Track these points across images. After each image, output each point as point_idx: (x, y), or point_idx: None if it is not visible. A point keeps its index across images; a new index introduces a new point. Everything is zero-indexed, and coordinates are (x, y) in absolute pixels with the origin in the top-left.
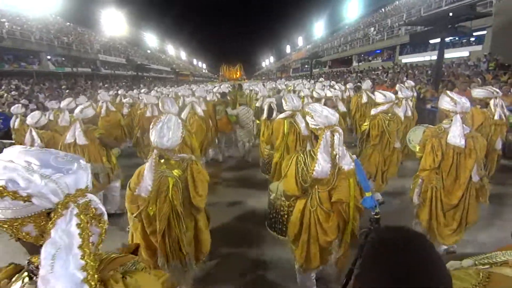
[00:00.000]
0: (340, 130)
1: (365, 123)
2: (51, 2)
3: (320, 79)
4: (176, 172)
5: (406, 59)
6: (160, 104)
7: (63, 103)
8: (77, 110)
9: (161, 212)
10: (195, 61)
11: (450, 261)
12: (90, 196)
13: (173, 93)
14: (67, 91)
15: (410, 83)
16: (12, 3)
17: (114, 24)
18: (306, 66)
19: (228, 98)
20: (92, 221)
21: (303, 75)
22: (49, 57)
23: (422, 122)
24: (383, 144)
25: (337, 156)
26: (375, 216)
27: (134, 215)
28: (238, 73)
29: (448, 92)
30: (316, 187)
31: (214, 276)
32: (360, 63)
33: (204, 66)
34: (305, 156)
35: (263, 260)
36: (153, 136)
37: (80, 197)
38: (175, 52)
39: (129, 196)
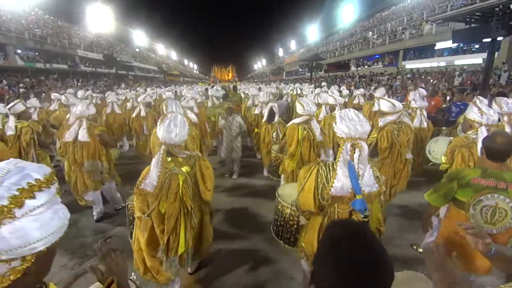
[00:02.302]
0: (365, 146)
1: (373, 135)
2: None
3: (322, 84)
4: (185, 168)
5: (411, 65)
6: (164, 107)
7: (8, 107)
8: (80, 108)
9: (171, 210)
10: (186, 61)
11: None
12: None
13: (156, 95)
14: (21, 90)
15: (423, 92)
16: None
17: (100, 20)
18: (301, 69)
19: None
20: None
21: (298, 79)
22: (19, 51)
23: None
24: (394, 157)
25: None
26: (364, 219)
27: (146, 214)
28: (230, 74)
29: (477, 101)
30: (335, 205)
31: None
32: (358, 68)
33: (195, 66)
34: (327, 169)
35: (267, 271)
36: (160, 132)
37: None
38: (165, 51)
39: (138, 195)
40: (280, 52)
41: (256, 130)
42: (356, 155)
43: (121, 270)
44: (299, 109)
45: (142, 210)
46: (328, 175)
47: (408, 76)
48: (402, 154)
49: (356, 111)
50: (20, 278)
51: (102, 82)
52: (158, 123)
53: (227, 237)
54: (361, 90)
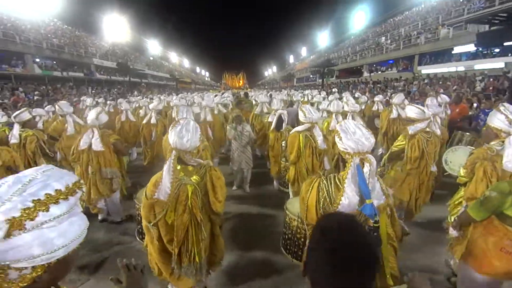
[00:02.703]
0: (373, 160)
1: (400, 142)
2: (51, 6)
3: (333, 90)
4: (194, 178)
5: (427, 70)
6: (175, 114)
7: (14, 115)
8: (91, 116)
9: (179, 222)
10: (198, 69)
11: None
12: None
13: (165, 102)
14: (35, 98)
15: (445, 98)
16: (10, 6)
17: (116, 29)
18: (311, 76)
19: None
20: None
21: (309, 85)
22: (37, 60)
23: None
24: (421, 168)
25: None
26: (374, 225)
27: (152, 223)
28: (241, 81)
29: (502, 108)
30: None
31: None
32: (371, 74)
33: (207, 74)
34: (328, 182)
35: (273, 282)
36: (172, 137)
37: None
38: (178, 59)
39: (145, 204)
40: (291, 58)
41: (258, 141)
42: (366, 170)
43: (140, 285)
44: (301, 116)
45: (148, 219)
46: (330, 189)
47: (425, 81)
48: (428, 166)
49: (356, 124)
50: (30, 285)
51: (115, 90)
52: (170, 129)
53: (234, 248)
54: (380, 97)
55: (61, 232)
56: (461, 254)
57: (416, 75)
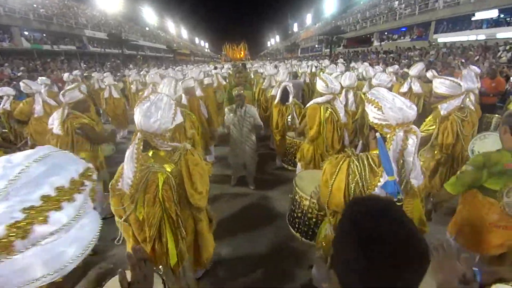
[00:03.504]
0: (418, 131)
1: (429, 125)
2: None
3: (339, 60)
4: (167, 166)
5: (444, 38)
6: (160, 86)
7: None
8: (61, 93)
9: (150, 217)
10: (197, 40)
11: None
12: None
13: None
14: (18, 74)
15: (475, 69)
16: None
17: None
18: (317, 46)
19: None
20: None
21: (314, 56)
22: (26, 32)
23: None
24: (456, 154)
25: (406, 167)
26: (397, 203)
27: (122, 219)
28: (242, 52)
29: None
30: None
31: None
32: (382, 42)
33: (207, 45)
34: (361, 163)
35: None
36: (137, 116)
37: None
38: (176, 30)
39: (112, 196)
40: (295, 27)
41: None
42: (411, 143)
43: (147, 284)
44: (320, 86)
45: (119, 214)
46: (363, 172)
47: (443, 50)
48: (464, 151)
49: (388, 91)
50: None
51: (109, 64)
52: (136, 105)
53: (233, 236)
54: (395, 67)
55: (70, 242)
56: (454, 233)
57: (433, 43)
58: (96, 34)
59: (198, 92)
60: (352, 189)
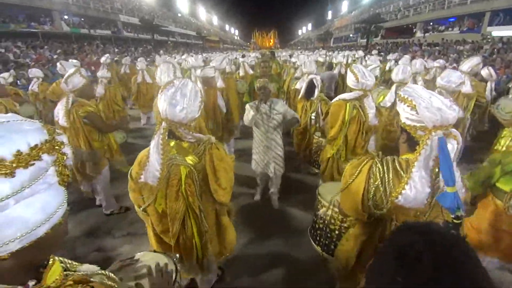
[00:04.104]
0: (459, 136)
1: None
2: None
3: (373, 52)
4: (190, 159)
5: (500, 32)
6: (157, 73)
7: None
8: (62, 81)
9: (173, 211)
10: (227, 27)
11: None
12: None
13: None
14: (55, 56)
15: None
16: None
17: None
18: (351, 35)
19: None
20: None
21: (348, 46)
22: (66, 17)
23: None
24: None
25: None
26: (455, 221)
27: (142, 208)
28: (271, 40)
29: None
30: (393, 217)
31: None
32: (427, 34)
33: (236, 32)
34: (384, 167)
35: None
36: (161, 104)
37: None
38: (207, 16)
39: (131, 187)
40: (329, 15)
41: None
42: (450, 148)
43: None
44: (350, 81)
45: (138, 204)
46: (386, 176)
47: (499, 46)
48: None
49: (424, 88)
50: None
51: (141, 49)
52: (160, 92)
53: (247, 237)
54: (441, 62)
55: (36, 207)
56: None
57: (488, 37)
58: (130, 19)
59: (220, 83)
60: (372, 193)
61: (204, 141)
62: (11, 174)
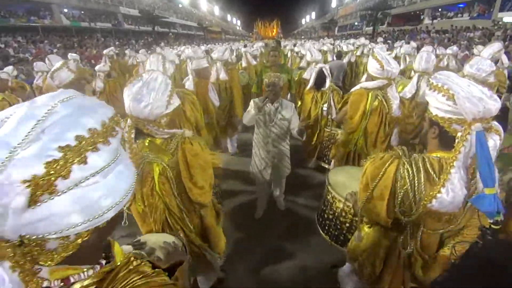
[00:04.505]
0: (501, 130)
1: None
2: None
3: (379, 39)
4: (165, 155)
5: (511, 18)
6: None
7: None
8: (48, 75)
9: (152, 210)
10: (228, 17)
11: None
12: None
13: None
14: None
15: None
16: None
17: None
18: (357, 23)
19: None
20: None
21: (354, 34)
22: (66, 10)
23: None
24: None
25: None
26: (493, 226)
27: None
28: (274, 30)
29: None
30: (421, 223)
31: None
32: (435, 20)
33: (239, 23)
34: (413, 167)
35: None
36: (125, 99)
37: None
38: (208, 6)
39: None
40: (333, 2)
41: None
42: (491, 145)
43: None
44: (373, 68)
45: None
46: (416, 180)
47: None
48: None
49: (456, 75)
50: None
51: (142, 41)
52: (125, 86)
53: (251, 234)
54: (454, 49)
55: (108, 189)
56: None
57: (499, 23)
58: (130, 11)
59: (222, 75)
60: (399, 199)
61: (177, 136)
62: (108, 142)
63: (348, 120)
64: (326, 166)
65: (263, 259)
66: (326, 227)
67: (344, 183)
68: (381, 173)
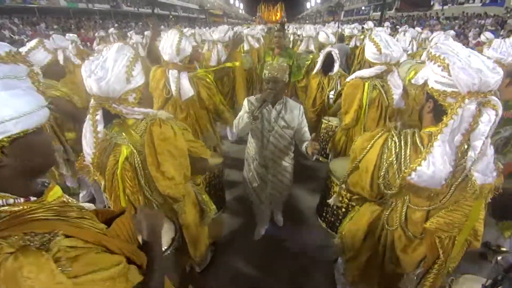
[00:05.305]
0: (500, 105)
1: None
2: None
3: (386, 24)
4: (134, 137)
5: None
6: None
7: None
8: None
9: (112, 198)
10: (231, 0)
11: None
12: None
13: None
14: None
15: None
16: None
17: None
18: (364, 7)
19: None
20: None
21: (360, 19)
22: None
23: None
24: None
25: (470, 154)
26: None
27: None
28: (278, 14)
29: None
30: (406, 198)
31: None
32: (445, 6)
33: (241, 6)
34: (402, 141)
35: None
36: (84, 77)
37: None
38: None
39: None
40: None
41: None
42: (485, 120)
43: (152, 225)
44: (370, 53)
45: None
46: (402, 151)
47: None
48: None
49: (461, 45)
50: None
51: (141, 23)
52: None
53: (250, 225)
54: (488, 34)
55: (3, 102)
56: None
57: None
58: None
59: (225, 58)
60: (383, 171)
61: (149, 116)
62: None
63: (343, 115)
64: (324, 161)
65: (260, 248)
66: (324, 213)
67: (344, 168)
68: (369, 145)
